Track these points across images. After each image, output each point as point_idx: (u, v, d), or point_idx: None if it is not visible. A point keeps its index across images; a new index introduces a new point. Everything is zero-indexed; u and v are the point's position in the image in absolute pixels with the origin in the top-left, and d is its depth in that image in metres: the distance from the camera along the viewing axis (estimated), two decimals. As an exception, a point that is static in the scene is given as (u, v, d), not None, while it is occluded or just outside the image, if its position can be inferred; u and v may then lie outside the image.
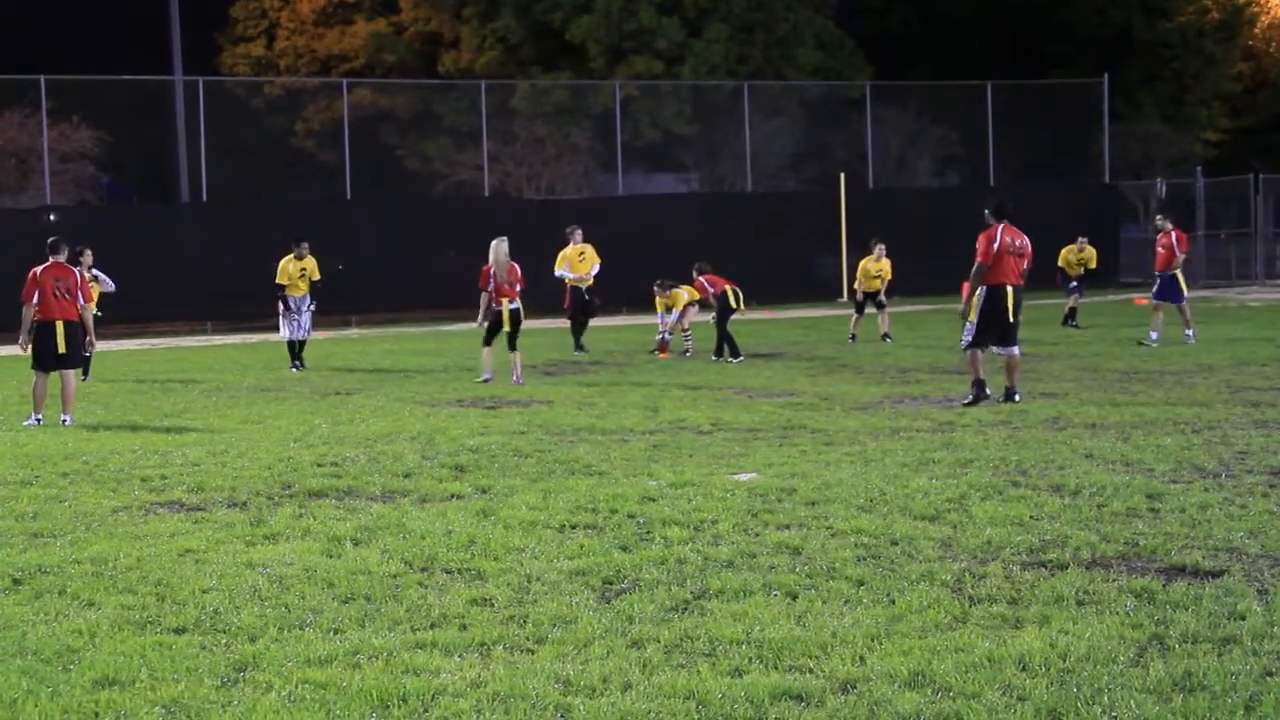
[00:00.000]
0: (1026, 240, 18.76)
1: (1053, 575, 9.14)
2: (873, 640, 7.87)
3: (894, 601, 8.63)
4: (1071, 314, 32.47)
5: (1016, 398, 18.33)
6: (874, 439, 15.36)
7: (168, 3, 44.17)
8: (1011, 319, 18.53)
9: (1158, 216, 27.91)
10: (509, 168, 50.04)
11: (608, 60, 52.24)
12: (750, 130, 49.81)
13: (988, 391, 18.34)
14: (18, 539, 11.00)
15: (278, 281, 26.49)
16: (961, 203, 49.68)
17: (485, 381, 22.34)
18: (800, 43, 54.11)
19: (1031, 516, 10.86)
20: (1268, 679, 7.11)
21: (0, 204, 43.64)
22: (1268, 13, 61.03)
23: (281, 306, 26.51)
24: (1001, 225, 18.58)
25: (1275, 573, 9.11)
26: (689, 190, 51.73)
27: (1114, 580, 8.97)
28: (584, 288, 29.59)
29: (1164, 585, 8.81)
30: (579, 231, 29.92)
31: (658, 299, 27.80)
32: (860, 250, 33.06)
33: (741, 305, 26.64)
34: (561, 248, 29.76)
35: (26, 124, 43.98)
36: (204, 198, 44.27)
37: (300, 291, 26.50)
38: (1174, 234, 27.49)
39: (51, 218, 40.67)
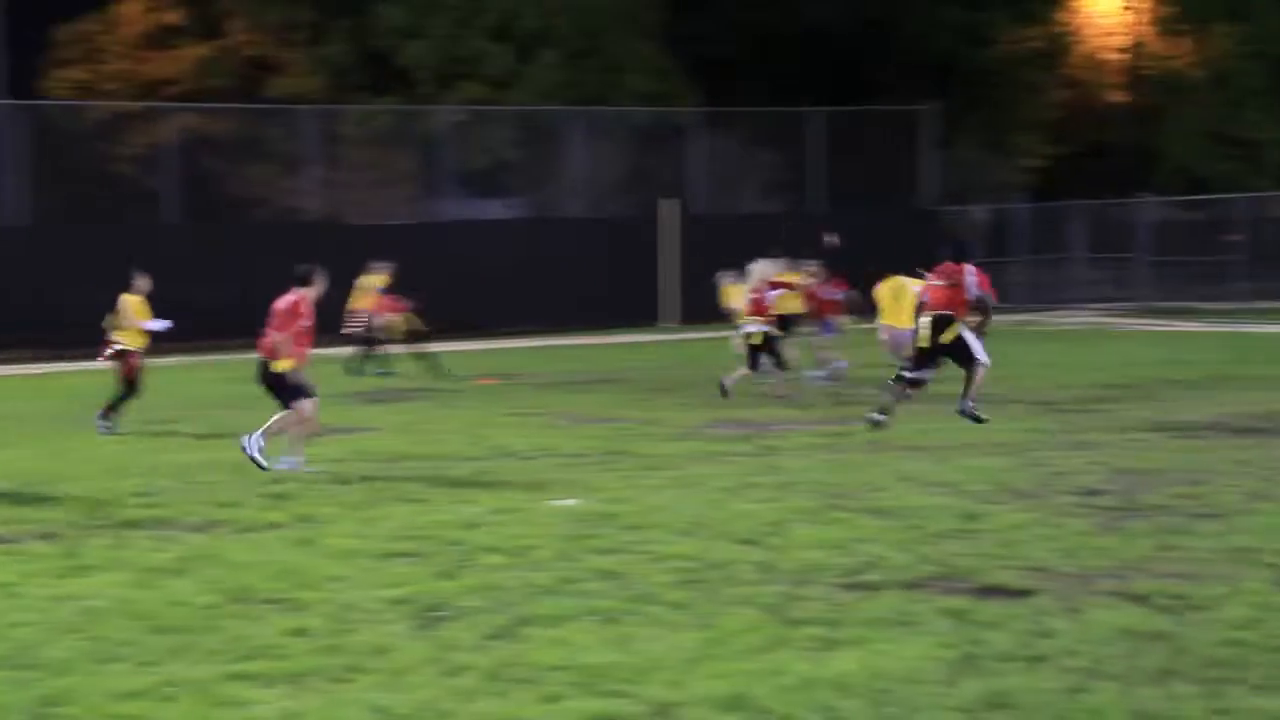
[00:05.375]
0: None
1: (870, 596, 9.24)
2: (691, 664, 7.88)
3: (713, 625, 8.65)
4: None
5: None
6: (696, 463, 15.43)
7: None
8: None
9: (811, 264, 28.40)
10: (337, 193, 49.64)
11: (437, 86, 52.06)
12: (578, 156, 49.92)
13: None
14: None
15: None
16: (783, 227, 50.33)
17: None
18: (630, 69, 54.31)
19: (851, 539, 10.96)
20: (1075, 696, 7.23)
21: None
22: (1082, 42, 61.97)
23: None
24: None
25: (1085, 591, 9.27)
26: (515, 216, 51.69)
27: (930, 600, 9.08)
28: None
29: (977, 604, 8.94)
30: (382, 265, 30.71)
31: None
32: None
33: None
34: (367, 274, 31.08)
35: None
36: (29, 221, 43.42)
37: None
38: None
39: None
